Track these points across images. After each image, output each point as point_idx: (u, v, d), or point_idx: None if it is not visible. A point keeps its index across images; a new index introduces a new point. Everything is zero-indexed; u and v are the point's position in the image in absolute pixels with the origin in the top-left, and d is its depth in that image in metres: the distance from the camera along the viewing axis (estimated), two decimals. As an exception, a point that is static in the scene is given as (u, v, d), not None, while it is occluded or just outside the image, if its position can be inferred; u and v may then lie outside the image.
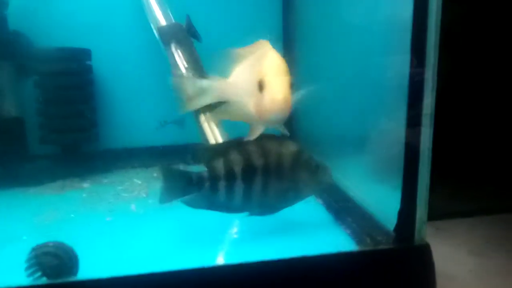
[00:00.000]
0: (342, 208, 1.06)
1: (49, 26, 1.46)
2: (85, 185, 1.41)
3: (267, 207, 0.95)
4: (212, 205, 0.94)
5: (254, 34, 1.59)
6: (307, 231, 1.01)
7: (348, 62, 1.16)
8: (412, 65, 0.76)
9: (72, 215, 1.15)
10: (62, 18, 1.47)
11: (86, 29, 1.49)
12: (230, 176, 0.91)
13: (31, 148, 1.48)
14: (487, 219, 1.25)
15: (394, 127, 0.85)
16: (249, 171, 0.91)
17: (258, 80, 0.82)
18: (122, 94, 1.57)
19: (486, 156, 1.44)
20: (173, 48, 1.29)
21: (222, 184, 0.91)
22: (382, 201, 0.94)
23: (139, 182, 1.42)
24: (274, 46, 0.94)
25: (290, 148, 0.92)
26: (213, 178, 0.92)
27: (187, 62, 1.27)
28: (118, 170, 1.55)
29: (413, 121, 0.77)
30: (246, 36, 1.58)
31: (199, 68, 1.28)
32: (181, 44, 1.29)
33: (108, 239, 1.00)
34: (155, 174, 1.51)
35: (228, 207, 0.94)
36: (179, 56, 1.28)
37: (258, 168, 0.91)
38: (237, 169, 0.91)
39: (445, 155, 0.80)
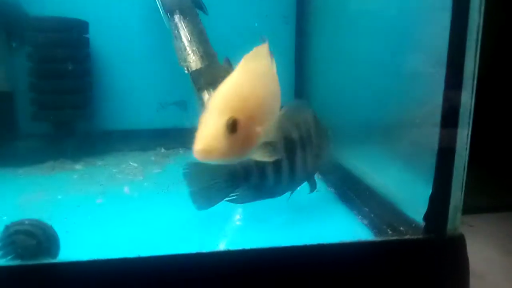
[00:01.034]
0: (358, 196, 0.95)
1: (44, -6, 1.36)
2: (78, 166, 1.31)
3: (309, 180, 0.89)
4: (260, 194, 0.84)
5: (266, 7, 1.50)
6: (319, 222, 0.91)
7: (374, 43, 1.04)
8: (451, 44, 0.65)
9: (59, 197, 1.05)
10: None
11: (84, -1, 1.39)
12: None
13: (21, 125, 1.38)
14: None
15: (428, 103, 0.75)
16: (289, 146, 0.82)
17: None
18: (120, 71, 1.46)
19: None
20: (176, 19, 1.18)
21: (270, 168, 0.81)
22: (407, 189, 0.83)
23: (135, 165, 1.31)
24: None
25: (310, 114, 0.83)
26: (261, 163, 0.80)
27: (191, 35, 1.17)
28: (115, 152, 1.45)
29: (451, 96, 0.66)
30: (257, 10, 1.49)
31: (204, 40, 1.18)
32: (185, 15, 1.19)
33: (97, 221, 0.90)
34: (152, 158, 1.41)
35: (275, 192, 0.85)
36: (183, 27, 1.18)
37: (296, 141, 0.82)
38: (280, 146, 0.80)
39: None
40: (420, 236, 0.69)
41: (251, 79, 0.67)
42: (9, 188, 1.13)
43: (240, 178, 0.81)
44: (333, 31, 1.30)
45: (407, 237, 0.69)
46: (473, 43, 0.64)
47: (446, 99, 0.66)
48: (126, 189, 1.09)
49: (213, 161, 0.62)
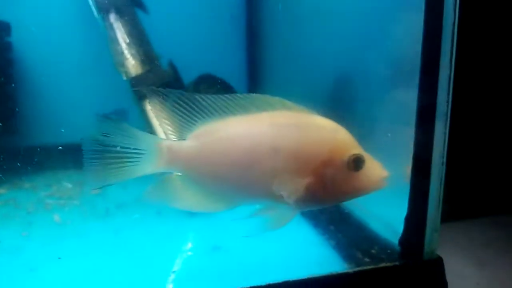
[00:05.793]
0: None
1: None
2: (1, 190, 1.13)
3: None
4: None
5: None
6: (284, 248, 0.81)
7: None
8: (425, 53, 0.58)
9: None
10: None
11: (4, -2, 1.21)
12: None
13: None
14: (485, 221, 1.11)
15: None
16: None
17: None
18: (49, 78, 1.29)
19: (483, 155, 1.28)
20: (112, 19, 1.05)
21: None
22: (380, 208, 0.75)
23: (70, 185, 1.15)
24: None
25: None
26: None
27: (130, 36, 1.04)
28: (46, 171, 1.27)
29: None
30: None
31: (144, 43, 1.05)
32: (122, 14, 1.05)
33: (22, 259, 0.75)
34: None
35: None
36: (119, 28, 1.04)
37: None
38: None
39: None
40: (395, 263, 0.61)
41: None
42: None
43: None
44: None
45: (382, 265, 0.60)
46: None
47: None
48: (56, 217, 0.94)
49: None
